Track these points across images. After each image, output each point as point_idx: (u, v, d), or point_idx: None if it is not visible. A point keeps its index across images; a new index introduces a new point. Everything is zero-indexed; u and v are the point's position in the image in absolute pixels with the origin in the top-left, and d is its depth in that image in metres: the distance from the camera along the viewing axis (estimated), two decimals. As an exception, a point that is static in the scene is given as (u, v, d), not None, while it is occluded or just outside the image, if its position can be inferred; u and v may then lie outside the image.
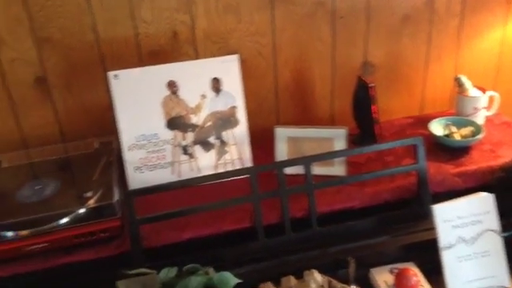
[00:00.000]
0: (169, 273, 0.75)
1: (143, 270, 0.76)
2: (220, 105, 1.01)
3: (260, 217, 0.89)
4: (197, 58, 1.15)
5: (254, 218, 0.89)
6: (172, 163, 1.01)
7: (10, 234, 0.84)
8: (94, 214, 0.87)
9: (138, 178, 1.00)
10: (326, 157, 0.92)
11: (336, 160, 0.98)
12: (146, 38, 1.10)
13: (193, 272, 0.78)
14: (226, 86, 1.00)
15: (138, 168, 1.00)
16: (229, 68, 0.99)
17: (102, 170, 1.00)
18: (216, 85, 1.00)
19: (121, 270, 0.76)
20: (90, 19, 1.05)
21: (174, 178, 1.01)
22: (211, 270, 0.78)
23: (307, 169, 0.89)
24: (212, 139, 1.02)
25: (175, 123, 1.00)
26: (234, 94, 1.00)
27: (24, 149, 1.14)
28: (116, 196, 0.89)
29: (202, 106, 1.00)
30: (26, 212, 0.89)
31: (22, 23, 1.03)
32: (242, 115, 1.01)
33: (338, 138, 0.98)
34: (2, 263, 0.83)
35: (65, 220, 0.86)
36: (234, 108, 1.01)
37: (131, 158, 0.99)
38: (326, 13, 1.17)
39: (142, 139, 0.99)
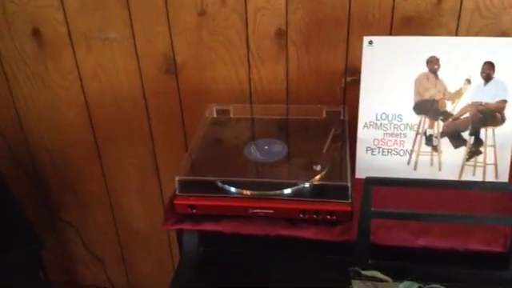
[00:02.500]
0: (410, 287, 0.64)
1: (377, 273, 0.66)
2: (486, 95, 0.82)
3: (520, 245, 0.71)
4: (456, 33, 0.97)
5: (509, 243, 0.72)
6: (410, 152, 0.87)
7: (233, 190, 0.81)
8: (322, 191, 0.79)
9: (367, 160, 0.89)
10: None
11: None
12: (404, 2, 0.96)
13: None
14: (500, 74, 0.81)
15: (370, 149, 0.88)
16: (510, 53, 0.80)
17: (331, 143, 0.91)
18: (488, 70, 0.81)
19: (352, 267, 0.67)
20: (350, -27, 0.95)
21: (408, 169, 0.88)
22: (456, 297, 0.64)
23: None
24: (465, 134, 0.85)
25: (425, 107, 0.85)
26: (509, 86, 0.81)
27: (249, 102, 1.11)
28: (349, 178, 0.79)
29: (462, 92, 0.83)
30: (253, 172, 0.85)
31: (278, -31, 0.97)
32: (511, 113, 0.82)
33: None
34: (224, 219, 0.80)
35: (289, 190, 0.80)
36: (503, 102, 0.82)
37: (365, 136, 0.88)
38: None
39: (382, 118, 0.87)
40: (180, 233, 0.84)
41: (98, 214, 1.36)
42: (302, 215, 0.78)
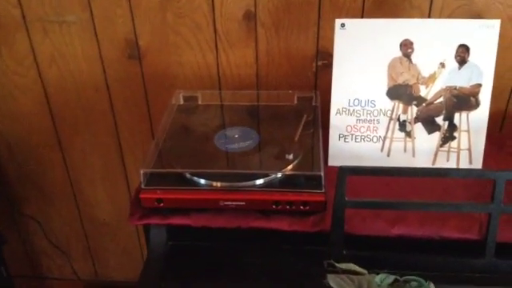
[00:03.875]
0: (386, 279, 0.62)
1: (353, 266, 0.63)
2: (461, 79, 0.81)
3: (495, 232, 0.70)
4: (429, 15, 0.95)
5: (485, 231, 0.71)
6: (384, 138, 0.85)
7: (202, 181, 0.77)
8: (295, 181, 0.76)
9: (339, 148, 0.86)
10: None
11: None
12: (376, -17, 0.93)
13: (407, 282, 0.64)
14: (474, 58, 0.79)
15: (342, 136, 0.86)
16: (485, 35, 0.78)
17: (303, 130, 0.88)
18: (462, 54, 0.80)
19: (326, 260, 0.65)
20: (321, -48, 0.91)
21: (382, 156, 0.86)
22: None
23: None
24: (439, 119, 0.83)
25: (398, 92, 0.83)
26: (483, 69, 0.80)
27: (217, 87, 1.07)
28: (322, 167, 0.76)
29: (436, 76, 0.81)
30: (223, 162, 0.82)
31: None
32: (486, 97, 0.81)
33: None
34: (194, 212, 0.77)
35: (261, 181, 0.77)
36: (478, 86, 0.81)
37: (338, 123, 0.85)
38: None
39: (355, 104, 0.84)
40: (147, 227, 0.80)
41: (62, 205, 1.30)
42: (274, 206, 0.75)
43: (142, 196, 0.76)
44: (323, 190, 0.74)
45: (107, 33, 1.03)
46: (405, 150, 0.85)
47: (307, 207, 0.74)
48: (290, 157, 0.80)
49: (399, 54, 0.81)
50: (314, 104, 0.96)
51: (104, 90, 1.10)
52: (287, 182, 0.77)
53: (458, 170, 0.71)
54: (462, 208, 0.71)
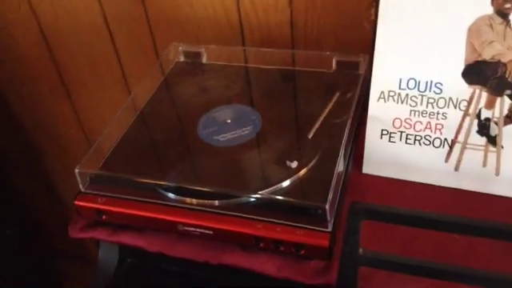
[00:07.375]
0: None
1: None
2: None
3: None
4: None
5: None
6: (451, 142, 0.54)
7: (163, 192, 0.54)
8: (290, 208, 0.50)
9: (380, 149, 0.57)
10: None
11: None
12: None
13: None
14: None
15: (387, 133, 0.56)
16: None
17: (329, 116, 0.60)
18: None
19: None
20: None
21: (446, 169, 0.55)
22: None
23: None
24: (550, 123, 0.50)
25: (483, 73, 0.50)
26: None
27: (240, 38, 0.80)
28: (333, 189, 0.49)
29: (555, 51, 0.47)
30: (196, 163, 0.57)
31: None
32: None
33: None
34: (149, 231, 0.55)
35: (240, 201, 0.51)
36: None
37: (381, 113, 0.56)
38: None
39: (409, 87, 0.54)
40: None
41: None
42: (254, 242, 0.50)
43: (77, 203, 0.55)
44: (329, 229, 0.48)
45: (99, -39, 0.79)
46: (484, 165, 0.54)
47: (302, 251, 0.49)
48: (293, 165, 0.53)
49: (489, 10, 0.48)
50: (359, 72, 0.66)
51: (105, 35, 0.88)
52: (278, 208, 0.51)
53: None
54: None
